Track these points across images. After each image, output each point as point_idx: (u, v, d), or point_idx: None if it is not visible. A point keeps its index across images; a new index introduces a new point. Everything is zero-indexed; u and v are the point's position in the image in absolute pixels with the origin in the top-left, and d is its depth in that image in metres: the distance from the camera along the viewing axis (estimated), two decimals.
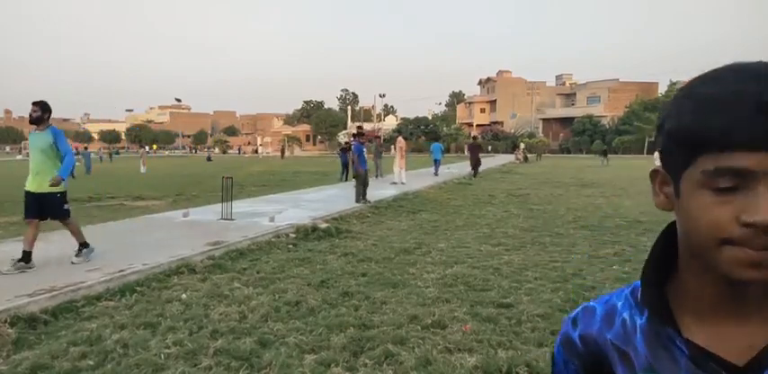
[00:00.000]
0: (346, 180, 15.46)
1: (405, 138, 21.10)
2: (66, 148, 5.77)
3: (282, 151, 55.46)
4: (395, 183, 16.23)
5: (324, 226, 8.22)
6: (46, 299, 4.40)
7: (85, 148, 28.86)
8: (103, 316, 4.25)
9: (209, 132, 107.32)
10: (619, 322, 0.68)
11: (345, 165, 18.58)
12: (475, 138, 27.73)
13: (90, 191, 15.00)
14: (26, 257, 5.45)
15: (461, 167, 24.12)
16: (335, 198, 12.77)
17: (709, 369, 0.58)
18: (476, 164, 21.05)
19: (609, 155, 34.59)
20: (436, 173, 20.93)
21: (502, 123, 72.43)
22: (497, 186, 17.00)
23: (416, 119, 71.76)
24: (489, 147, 55.35)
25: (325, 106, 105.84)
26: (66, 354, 3.48)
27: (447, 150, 59.19)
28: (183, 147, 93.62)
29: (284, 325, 4.04)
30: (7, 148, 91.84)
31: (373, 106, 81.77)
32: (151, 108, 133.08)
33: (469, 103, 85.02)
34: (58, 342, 3.70)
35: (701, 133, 0.53)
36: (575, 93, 72.39)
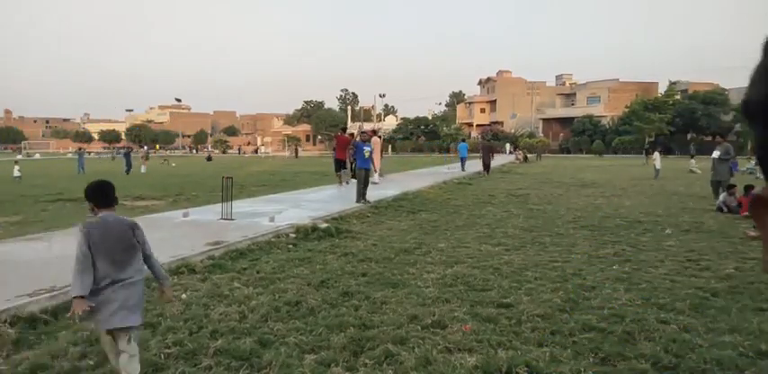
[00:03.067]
0: (351, 178, 15.38)
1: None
2: None
3: (296, 151, 55.86)
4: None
5: (324, 226, 8.22)
6: (46, 299, 4.40)
7: (80, 149, 29.62)
8: None
9: (209, 132, 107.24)
10: None
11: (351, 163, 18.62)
12: (489, 139, 29.14)
13: None
14: None
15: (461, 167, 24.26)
16: (335, 198, 12.77)
17: None
18: (487, 163, 22.95)
19: (605, 155, 34.52)
20: (463, 169, 23.52)
21: (502, 123, 72.40)
22: (497, 186, 16.99)
23: (416, 119, 71.77)
24: (509, 147, 54.81)
25: (326, 106, 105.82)
26: (66, 354, 3.48)
27: (447, 150, 59.46)
28: (183, 147, 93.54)
29: (284, 325, 4.04)
30: None
31: (373, 106, 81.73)
32: (151, 108, 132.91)
33: (469, 103, 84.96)
34: (57, 343, 3.70)
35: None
36: (575, 93, 72.35)
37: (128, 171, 25.53)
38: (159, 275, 3.12)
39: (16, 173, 20.66)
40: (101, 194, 3.02)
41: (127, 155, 26.84)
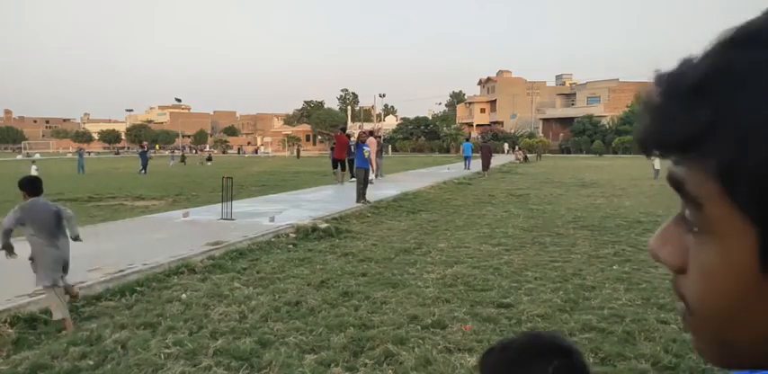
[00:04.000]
0: (352, 177, 15.38)
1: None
2: None
3: (298, 151, 56.00)
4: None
5: (324, 226, 8.21)
6: (46, 299, 4.40)
7: (80, 149, 29.45)
8: (103, 316, 4.25)
9: (209, 132, 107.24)
10: None
11: (351, 162, 18.64)
12: (489, 140, 29.41)
13: (90, 191, 15.00)
14: None
15: (462, 167, 24.34)
16: (335, 198, 12.77)
17: None
18: (487, 163, 23.35)
19: (605, 155, 34.58)
20: (467, 168, 24.17)
21: (502, 123, 72.39)
22: (497, 186, 16.99)
23: (416, 119, 71.75)
24: (512, 147, 54.45)
25: (326, 106, 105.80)
26: (66, 354, 3.48)
27: (447, 150, 59.46)
28: (183, 147, 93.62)
29: (284, 325, 4.04)
30: None
31: (373, 106, 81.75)
32: (151, 108, 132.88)
33: (469, 103, 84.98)
34: (57, 342, 3.71)
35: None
36: (575, 93, 72.36)
37: (143, 170, 24.62)
38: (73, 230, 4.36)
39: (34, 172, 20.38)
40: (30, 185, 4.21)
41: (142, 155, 25.84)
